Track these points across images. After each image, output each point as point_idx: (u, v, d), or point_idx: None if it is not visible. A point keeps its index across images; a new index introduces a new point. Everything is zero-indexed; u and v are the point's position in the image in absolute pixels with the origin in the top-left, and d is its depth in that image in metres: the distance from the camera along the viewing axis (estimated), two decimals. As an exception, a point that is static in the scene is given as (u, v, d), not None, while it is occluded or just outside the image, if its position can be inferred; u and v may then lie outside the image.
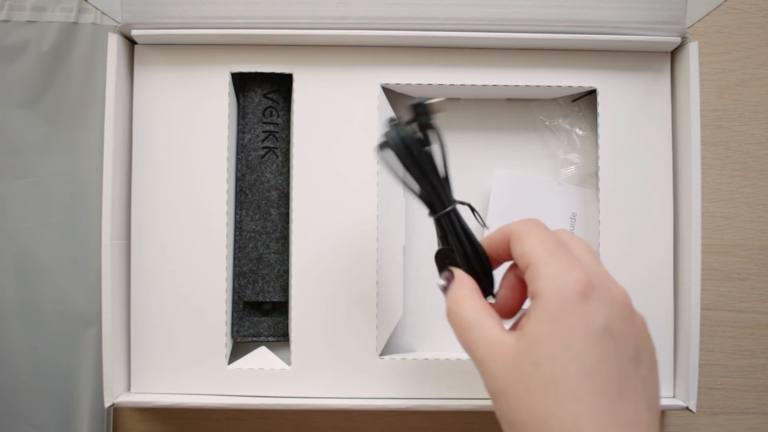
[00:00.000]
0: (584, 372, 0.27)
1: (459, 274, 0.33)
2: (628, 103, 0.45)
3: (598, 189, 0.44)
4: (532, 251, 0.30)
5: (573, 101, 0.48)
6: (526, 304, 0.31)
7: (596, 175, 0.45)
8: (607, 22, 0.43)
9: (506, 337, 0.29)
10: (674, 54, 0.45)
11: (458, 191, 0.46)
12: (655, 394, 0.29)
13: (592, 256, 0.31)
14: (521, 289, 0.33)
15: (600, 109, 0.44)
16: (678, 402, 0.43)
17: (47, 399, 0.48)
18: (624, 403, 0.27)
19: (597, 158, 0.44)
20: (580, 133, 0.47)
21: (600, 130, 0.44)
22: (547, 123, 0.48)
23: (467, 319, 0.31)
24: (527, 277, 0.30)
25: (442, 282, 0.34)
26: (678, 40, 0.43)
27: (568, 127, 0.48)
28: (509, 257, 0.33)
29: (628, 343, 0.28)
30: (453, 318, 0.32)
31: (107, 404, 0.41)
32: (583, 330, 0.27)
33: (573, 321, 0.27)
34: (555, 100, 0.48)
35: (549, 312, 0.28)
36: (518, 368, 0.28)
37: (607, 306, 0.28)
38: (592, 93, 0.46)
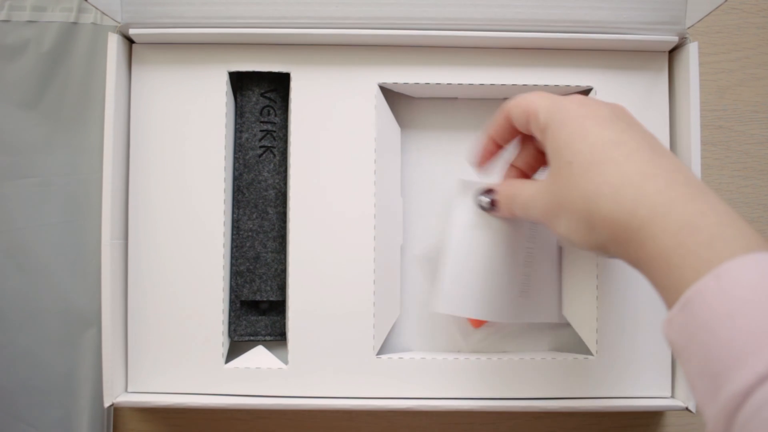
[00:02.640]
0: (610, 144, 0.31)
1: (500, 183, 0.40)
2: (625, 102, 0.44)
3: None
4: (530, 102, 0.35)
5: None
6: None
7: None
8: (607, 22, 0.43)
9: (540, 180, 0.35)
10: (672, 54, 0.45)
11: (452, 192, 0.46)
12: None
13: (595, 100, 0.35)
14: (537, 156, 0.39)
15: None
16: (677, 403, 0.43)
17: (47, 399, 0.48)
18: (660, 158, 0.30)
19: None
20: None
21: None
22: None
23: (522, 192, 0.37)
24: (533, 127, 0.35)
25: (486, 199, 0.41)
26: (675, 39, 0.43)
27: None
28: (512, 135, 0.38)
29: (638, 124, 0.33)
30: (513, 205, 0.38)
31: (107, 404, 0.41)
32: (593, 120, 0.32)
33: (581, 118, 0.32)
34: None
35: (559, 123, 0.33)
36: (557, 181, 0.33)
37: (604, 105, 0.33)
38: (587, 93, 0.46)
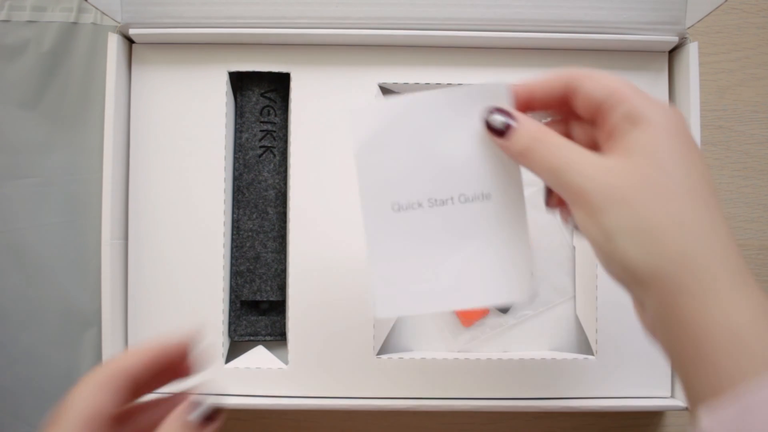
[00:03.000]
0: (704, 181, 0.29)
1: (520, 114, 0.32)
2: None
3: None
4: (614, 83, 0.30)
5: None
6: None
7: None
8: (607, 22, 0.43)
9: (605, 157, 0.30)
10: (672, 54, 0.45)
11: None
12: None
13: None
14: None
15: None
16: (677, 402, 0.43)
17: (47, 399, 0.48)
18: (718, 204, 0.29)
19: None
20: None
21: (598, 129, 0.44)
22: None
23: (559, 141, 0.31)
24: (611, 104, 0.30)
25: (500, 118, 0.32)
26: (675, 39, 0.43)
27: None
28: (557, 103, 0.32)
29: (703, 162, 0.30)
30: (537, 144, 0.31)
31: (105, 403, 0.41)
32: (695, 147, 0.29)
33: (688, 139, 0.29)
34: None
35: (666, 130, 0.29)
36: (645, 178, 0.29)
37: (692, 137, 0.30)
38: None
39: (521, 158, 0.32)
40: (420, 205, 0.34)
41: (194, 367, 0.33)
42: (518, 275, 0.35)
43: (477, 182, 0.34)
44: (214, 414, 0.31)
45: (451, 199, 0.34)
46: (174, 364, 0.32)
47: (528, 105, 0.33)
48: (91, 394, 0.28)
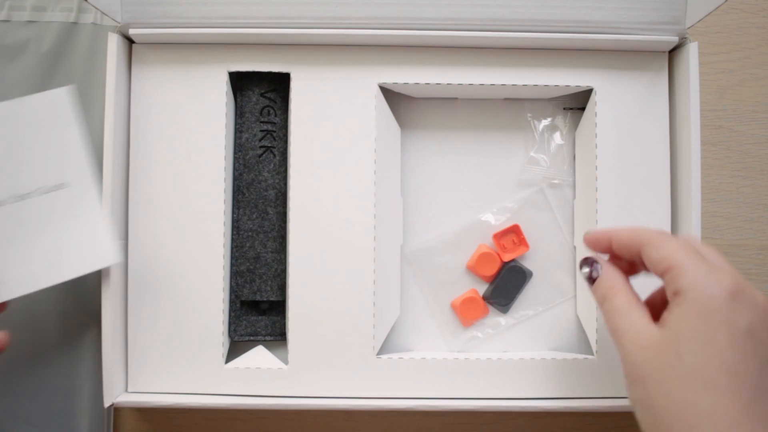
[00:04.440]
0: (725, 368, 0.28)
1: (607, 264, 0.36)
2: (625, 102, 0.44)
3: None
4: (672, 255, 0.32)
5: (564, 108, 0.48)
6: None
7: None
8: (607, 22, 0.43)
9: (652, 328, 0.32)
10: (672, 54, 0.45)
11: (451, 192, 0.46)
12: None
13: (729, 263, 0.33)
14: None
15: (598, 108, 0.44)
16: (677, 402, 0.43)
17: (47, 399, 0.48)
18: (759, 400, 0.28)
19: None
20: (559, 141, 0.47)
21: (598, 129, 0.44)
22: (529, 118, 0.47)
23: (620, 307, 0.33)
24: (667, 279, 0.32)
25: (587, 270, 0.37)
26: (675, 39, 0.43)
27: (549, 131, 0.48)
28: (630, 258, 0.36)
29: (767, 346, 0.30)
30: (606, 305, 0.34)
31: (107, 404, 0.41)
32: (727, 329, 0.29)
33: (719, 319, 0.29)
34: (549, 103, 0.48)
35: (696, 309, 0.30)
36: (660, 357, 0.30)
37: (751, 309, 0.30)
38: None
39: (600, 301, 0.35)
40: (4, 202, 0.41)
41: None
42: (101, 244, 0.42)
43: (53, 175, 0.42)
44: None
45: (32, 192, 0.42)
46: None
47: (609, 249, 0.37)
48: None
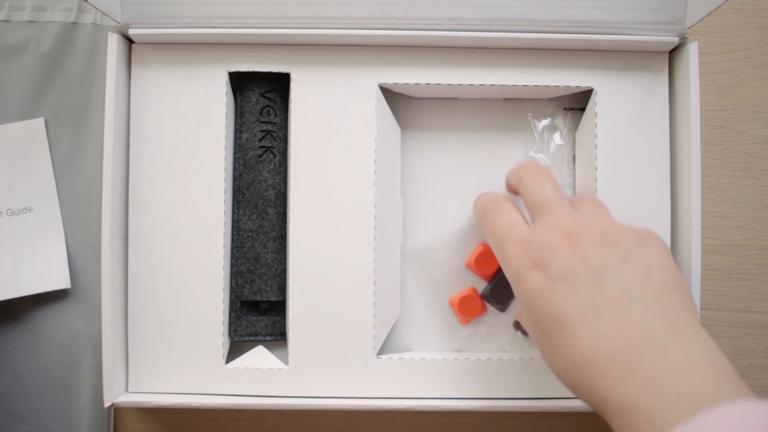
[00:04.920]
0: (554, 324, 0.33)
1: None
2: (625, 102, 0.44)
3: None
4: (518, 172, 0.40)
5: (565, 109, 0.48)
6: None
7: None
8: (607, 22, 0.43)
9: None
10: (672, 54, 0.45)
11: (452, 192, 0.46)
12: (653, 278, 0.33)
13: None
14: None
15: (598, 108, 0.44)
16: (677, 402, 0.43)
17: (47, 399, 0.48)
18: (604, 319, 0.31)
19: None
20: (558, 141, 0.47)
21: (598, 129, 0.44)
22: (530, 118, 0.47)
23: (502, 209, 0.39)
24: (522, 194, 0.39)
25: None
26: (675, 40, 0.43)
27: (549, 132, 0.48)
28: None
29: (581, 272, 0.33)
30: (489, 212, 0.40)
31: (107, 404, 0.41)
32: (536, 297, 0.34)
33: (529, 296, 0.34)
34: (550, 103, 0.48)
35: (514, 289, 0.36)
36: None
37: (546, 263, 0.34)
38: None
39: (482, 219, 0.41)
40: None
41: None
42: (57, 268, 0.48)
43: (21, 199, 0.48)
44: None
45: (2, 213, 0.47)
46: None
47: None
48: None
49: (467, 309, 0.46)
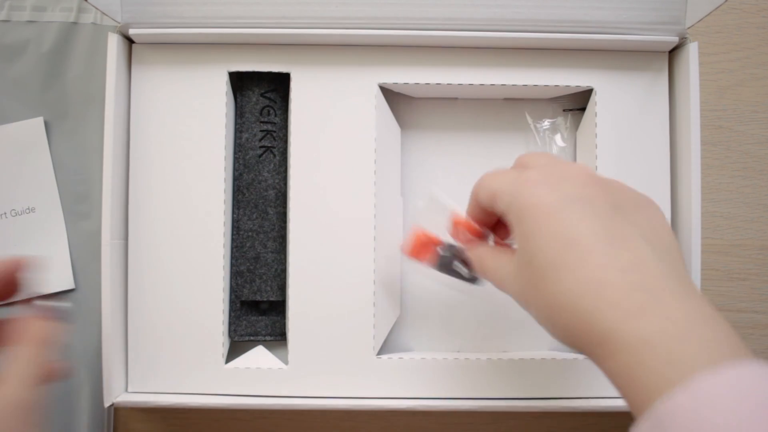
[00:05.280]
0: (565, 246, 0.29)
1: (470, 253, 0.38)
2: (626, 102, 0.44)
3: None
4: (489, 185, 0.34)
5: (564, 110, 0.48)
6: None
7: None
8: (607, 22, 0.43)
9: (511, 259, 0.33)
10: (672, 54, 0.45)
11: (452, 192, 0.46)
12: (660, 234, 0.30)
13: (544, 156, 0.34)
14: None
15: (598, 108, 0.44)
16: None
17: (47, 399, 0.48)
18: (619, 252, 0.28)
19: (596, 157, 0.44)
20: (560, 143, 0.47)
21: (598, 129, 0.44)
22: (530, 122, 0.47)
23: (482, 253, 0.36)
24: (496, 209, 0.34)
25: (467, 271, 0.39)
26: (675, 39, 0.43)
27: (550, 134, 0.48)
28: (490, 216, 0.37)
29: (598, 200, 0.30)
30: (486, 277, 0.36)
31: (107, 404, 0.41)
32: (546, 211, 0.30)
33: (534, 208, 0.30)
34: (549, 104, 0.48)
35: (516, 216, 0.31)
36: (519, 270, 0.32)
37: (565, 179, 0.31)
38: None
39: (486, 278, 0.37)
40: None
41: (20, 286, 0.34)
42: (59, 269, 0.48)
43: (24, 199, 0.48)
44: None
45: (5, 213, 0.48)
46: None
47: (477, 231, 0.38)
48: None
49: (415, 245, 0.42)
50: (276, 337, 0.46)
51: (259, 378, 0.43)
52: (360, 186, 0.44)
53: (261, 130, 0.46)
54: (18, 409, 0.30)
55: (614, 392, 0.44)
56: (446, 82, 0.44)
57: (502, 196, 0.32)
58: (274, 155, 0.46)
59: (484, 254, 0.36)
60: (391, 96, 0.46)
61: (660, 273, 0.28)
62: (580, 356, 0.44)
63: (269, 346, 0.46)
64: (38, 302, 0.34)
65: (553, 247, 0.29)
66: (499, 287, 0.34)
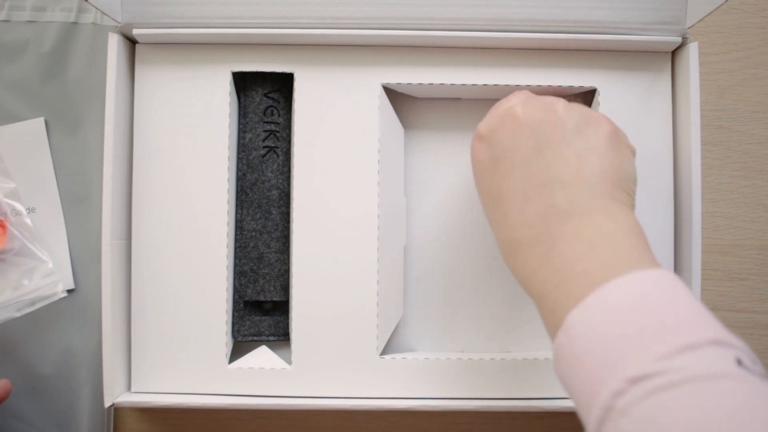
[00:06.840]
0: (492, 200, 0.35)
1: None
2: (628, 102, 0.45)
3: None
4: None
5: None
6: None
7: None
8: (608, 22, 0.43)
9: None
10: (675, 54, 0.45)
11: (455, 192, 0.46)
12: (597, 151, 0.33)
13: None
14: None
15: (600, 108, 0.44)
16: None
17: (47, 399, 0.48)
18: (530, 204, 0.32)
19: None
20: None
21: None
22: None
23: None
24: None
25: None
26: (678, 40, 0.43)
27: None
28: None
29: (523, 148, 0.33)
30: None
31: (107, 404, 0.41)
32: (480, 170, 0.36)
33: (476, 167, 0.37)
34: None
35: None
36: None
37: (495, 134, 0.35)
38: (591, 94, 0.46)
39: None
40: None
41: None
42: (59, 269, 0.48)
43: (25, 200, 0.48)
44: None
45: (6, 213, 0.47)
46: None
47: None
48: None
49: None
50: (279, 337, 0.46)
51: (263, 378, 0.43)
52: (363, 186, 0.44)
53: (264, 130, 0.46)
54: None
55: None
56: (449, 83, 0.44)
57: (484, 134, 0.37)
58: (278, 155, 0.46)
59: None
60: (395, 96, 0.46)
61: (563, 213, 0.31)
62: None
63: (272, 347, 0.46)
64: None
65: (488, 203, 0.35)
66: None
